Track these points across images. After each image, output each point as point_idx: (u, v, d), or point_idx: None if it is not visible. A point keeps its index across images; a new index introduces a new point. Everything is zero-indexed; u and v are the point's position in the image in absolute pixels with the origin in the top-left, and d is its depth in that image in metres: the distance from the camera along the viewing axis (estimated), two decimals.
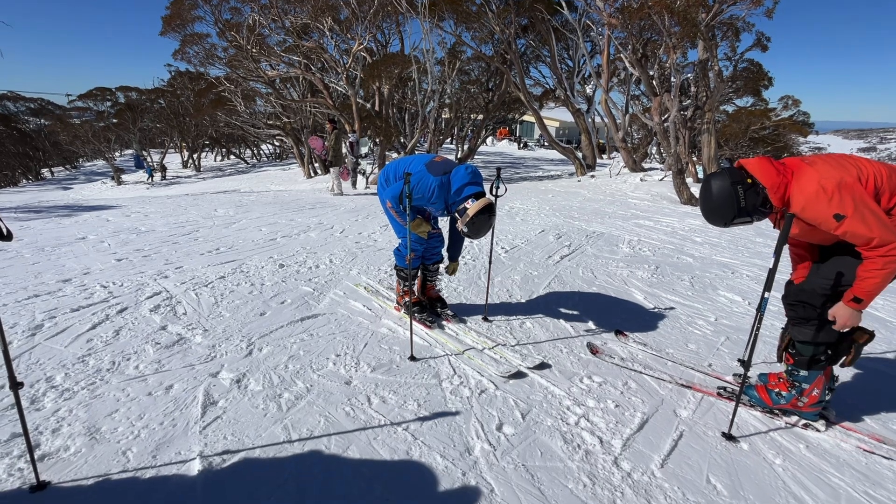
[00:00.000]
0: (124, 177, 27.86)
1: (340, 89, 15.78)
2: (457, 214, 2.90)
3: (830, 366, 2.20)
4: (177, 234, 5.71)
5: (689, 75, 11.11)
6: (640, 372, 2.73)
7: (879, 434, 2.26)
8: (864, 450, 2.14)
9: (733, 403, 2.31)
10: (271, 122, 22.31)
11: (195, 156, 31.54)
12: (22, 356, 2.66)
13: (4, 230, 1.64)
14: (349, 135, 11.54)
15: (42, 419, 2.14)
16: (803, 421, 2.29)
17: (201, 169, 30.39)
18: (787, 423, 2.32)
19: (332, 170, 10.90)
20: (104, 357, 2.70)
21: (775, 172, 2.00)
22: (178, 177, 26.98)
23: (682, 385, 2.61)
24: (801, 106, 23.23)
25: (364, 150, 11.73)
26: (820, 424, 2.26)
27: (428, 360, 2.80)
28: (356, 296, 3.76)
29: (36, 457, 1.83)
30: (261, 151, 36.98)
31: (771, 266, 2.01)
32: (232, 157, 37.29)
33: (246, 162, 33.54)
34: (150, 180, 24.70)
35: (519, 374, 2.68)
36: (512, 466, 1.98)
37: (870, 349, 3.21)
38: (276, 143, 31.69)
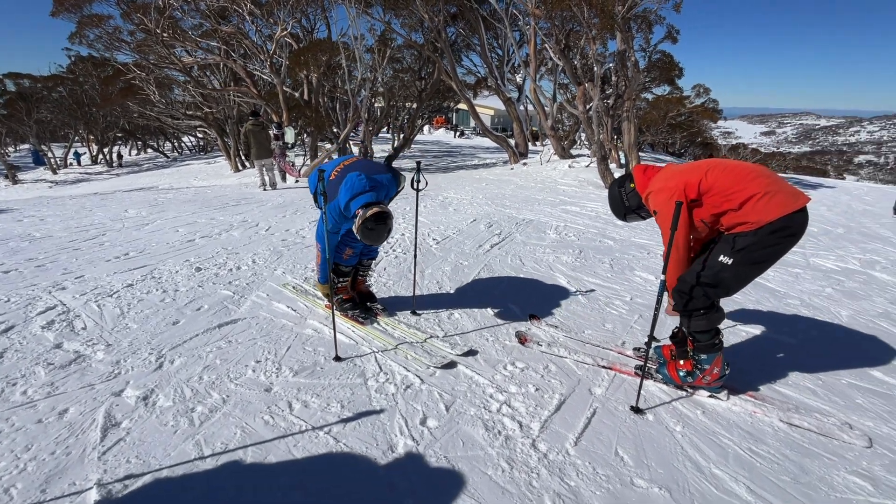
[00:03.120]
0: (21, 175, 24.96)
1: (266, 77, 15.01)
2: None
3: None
4: (79, 240, 5.20)
5: (609, 65, 11.63)
6: (564, 357, 2.85)
7: (763, 395, 2.52)
8: (752, 411, 2.38)
9: (647, 380, 2.51)
10: (191, 112, 20.81)
11: (106, 150, 28.79)
12: None
13: None
14: (275, 126, 11.02)
15: None
16: (708, 393, 2.50)
17: (114, 164, 27.82)
18: (687, 391, 2.53)
19: (256, 164, 10.39)
20: None
21: (643, 177, 2.44)
22: (87, 174, 24.55)
23: (604, 367, 2.75)
24: (711, 94, 25.13)
25: (289, 140, 11.24)
26: (723, 395, 2.48)
27: (354, 360, 2.76)
28: (280, 297, 3.63)
29: None
30: (182, 144, 34.50)
31: (663, 252, 2.16)
32: (149, 150, 34.50)
33: (165, 156, 31.16)
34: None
35: (449, 365, 2.70)
36: (434, 459, 2.01)
37: (758, 318, 3.58)
38: (200, 135, 29.70)
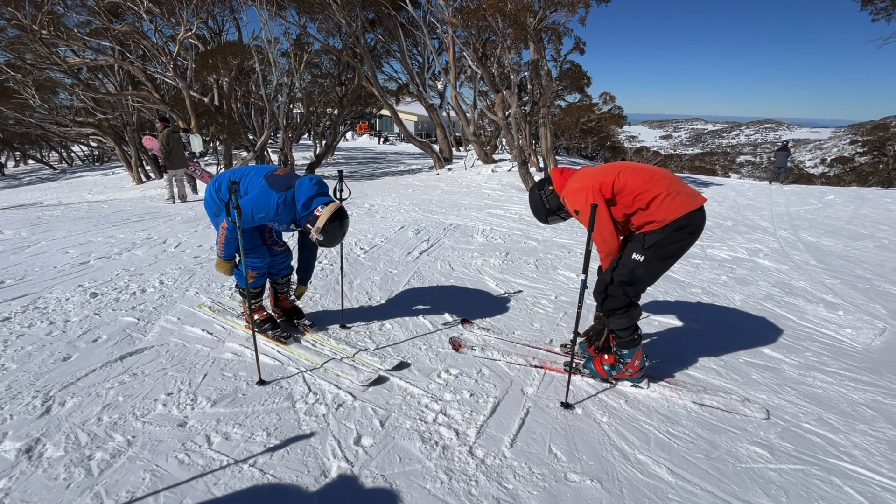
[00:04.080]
0: None
1: (169, 81, 13.88)
2: (308, 225, 2.72)
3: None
4: None
5: (525, 74, 12.17)
6: (497, 360, 2.89)
7: (676, 380, 2.73)
8: (668, 396, 2.56)
9: (575, 375, 2.62)
10: (81, 118, 18.71)
11: None
12: None
13: None
14: (181, 133, 10.21)
15: None
16: (631, 383, 2.65)
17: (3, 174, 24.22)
18: (612, 383, 2.67)
19: (165, 174, 9.57)
20: None
21: (560, 179, 2.57)
22: None
23: (535, 366, 2.82)
24: (616, 101, 27.19)
25: (198, 148, 10.47)
26: (644, 384, 2.64)
27: (280, 382, 2.60)
28: (194, 320, 3.33)
29: None
30: (71, 154, 30.94)
31: (584, 250, 2.27)
32: (31, 161, 30.54)
33: (52, 167, 27.70)
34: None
35: (380, 380, 2.63)
36: (370, 479, 1.93)
37: (668, 308, 3.88)
38: (93, 144, 26.79)
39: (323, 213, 2.66)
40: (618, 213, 2.42)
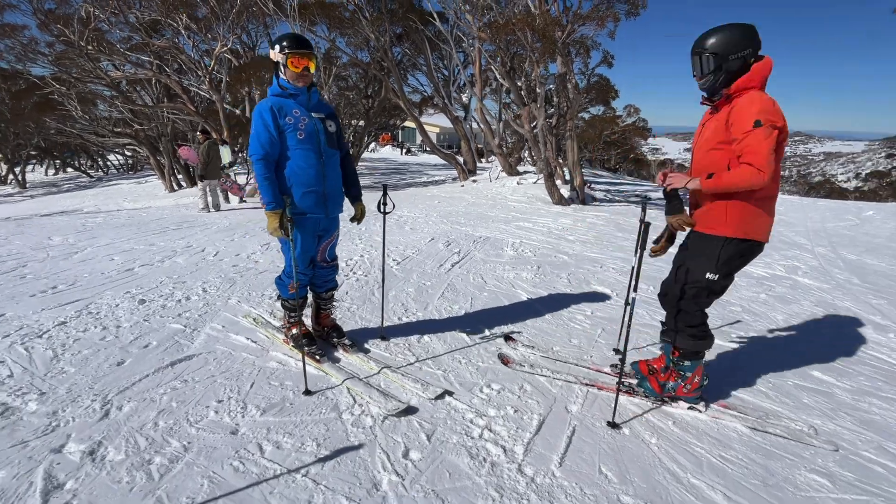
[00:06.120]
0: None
1: (203, 94, 14.37)
2: (279, 72, 2.68)
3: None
4: None
5: (551, 87, 12.20)
6: (546, 377, 2.83)
7: (728, 402, 2.67)
8: (717, 418, 2.51)
9: (622, 394, 2.58)
10: (119, 129, 19.47)
11: (18, 170, 26.16)
12: None
13: None
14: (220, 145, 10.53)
15: None
16: (688, 405, 2.58)
17: (27, 185, 25.34)
18: (658, 403, 2.62)
19: (199, 184, 9.87)
20: None
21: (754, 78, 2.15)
22: None
23: (587, 384, 2.76)
24: (640, 113, 26.99)
25: (227, 158, 10.75)
26: (701, 406, 2.57)
27: (325, 392, 2.64)
28: (238, 328, 3.41)
29: None
30: (108, 163, 32.13)
31: (634, 265, 2.25)
32: (69, 169, 31.81)
33: (89, 175, 28.82)
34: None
35: (410, 410, 2.48)
36: (422, 494, 1.94)
37: (729, 329, 3.80)
38: (128, 153, 27.80)
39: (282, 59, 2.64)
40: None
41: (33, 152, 28.17)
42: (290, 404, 2.51)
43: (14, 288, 4.17)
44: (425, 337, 3.38)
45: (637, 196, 12.88)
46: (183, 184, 17.88)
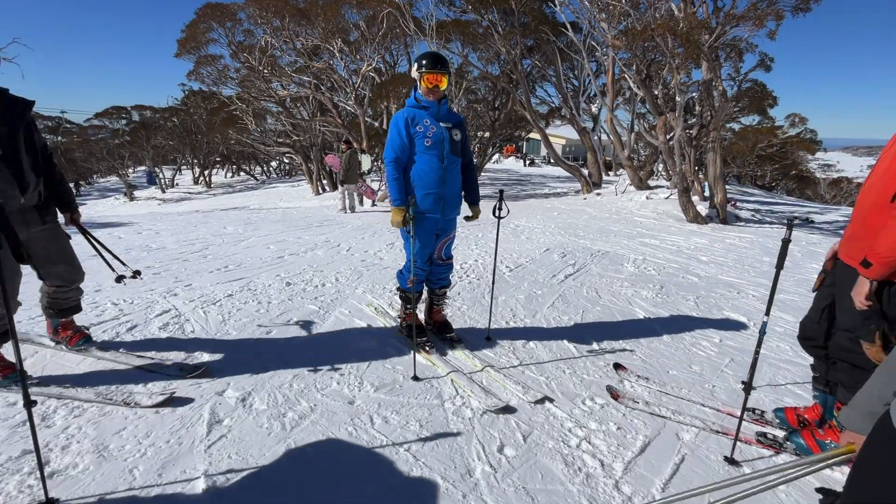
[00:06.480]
0: (136, 192, 28.36)
1: (349, 108, 16.10)
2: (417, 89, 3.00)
3: None
4: (186, 252, 5.82)
5: (693, 95, 11.22)
6: (668, 418, 2.53)
7: None
8: None
9: (754, 442, 2.30)
10: (281, 139, 22.71)
11: (206, 172, 32.09)
12: (34, 373, 2.72)
13: (24, 254, 1.70)
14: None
15: (52, 436, 2.18)
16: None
17: (212, 185, 30.90)
18: (795, 451, 2.27)
19: (340, 187, 11.09)
20: (113, 375, 2.76)
21: None
22: (189, 193, 27.43)
23: (718, 433, 2.42)
24: (807, 123, 23.26)
25: (366, 166, 11.90)
26: None
27: (431, 381, 2.82)
28: (361, 315, 3.81)
29: (46, 474, 1.87)
30: (269, 168, 37.49)
31: (770, 288, 2.03)
32: (242, 173, 37.87)
33: (255, 178, 34.04)
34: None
35: (508, 409, 2.54)
36: (513, 489, 1.98)
37: None
38: (286, 160, 32.18)
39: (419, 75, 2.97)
40: None
41: (218, 159, 34.27)
42: (399, 386, 2.75)
43: (199, 265, 5.19)
44: (531, 343, 3.40)
45: (797, 218, 11.16)
46: (326, 188, 20.18)
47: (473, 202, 3.29)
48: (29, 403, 1.76)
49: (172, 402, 2.48)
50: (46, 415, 2.34)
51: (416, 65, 3.02)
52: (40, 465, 1.81)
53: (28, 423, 1.76)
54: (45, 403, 2.42)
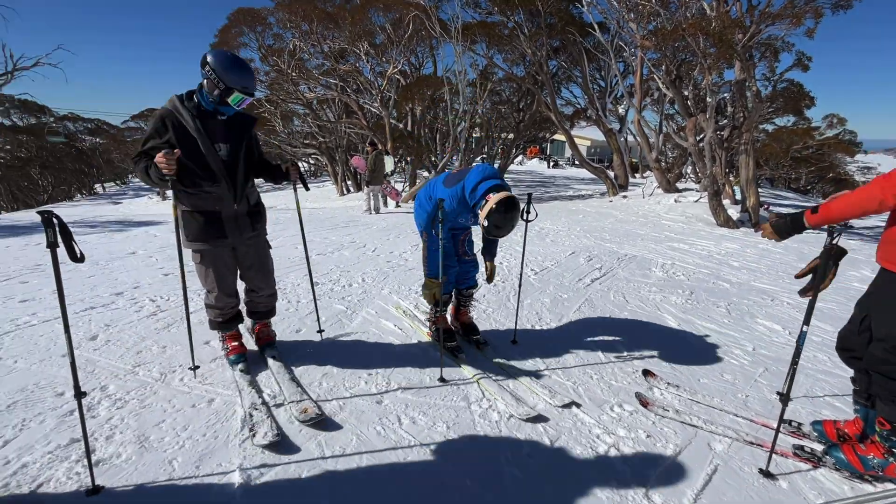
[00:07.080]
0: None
1: (374, 110, 16.28)
2: (479, 211, 2.74)
3: None
4: None
5: (725, 95, 10.91)
6: (699, 427, 2.48)
7: None
8: None
9: (790, 455, 2.24)
10: (307, 141, 23.12)
11: None
12: (80, 365, 2.86)
13: (78, 253, 1.80)
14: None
15: (97, 426, 2.29)
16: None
17: None
18: (867, 480, 2.15)
19: (365, 188, 11.22)
20: (153, 369, 2.87)
21: None
22: None
23: (752, 444, 2.37)
24: (847, 124, 22.38)
25: (389, 167, 12.01)
26: None
27: (458, 383, 2.84)
28: (388, 315, 3.85)
29: (92, 462, 1.96)
30: None
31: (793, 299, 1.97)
32: None
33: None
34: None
35: (539, 418, 2.51)
36: (540, 495, 1.98)
37: None
38: (311, 162, 32.70)
39: (490, 200, 2.64)
40: None
41: None
42: (426, 388, 2.77)
43: None
44: (557, 347, 3.38)
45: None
46: (351, 189, 20.43)
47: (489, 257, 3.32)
48: (79, 395, 1.85)
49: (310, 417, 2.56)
50: (91, 406, 2.45)
51: None
52: (87, 454, 1.91)
53: (77, 413, 1.86)
54: (90, 395, 2.54)
